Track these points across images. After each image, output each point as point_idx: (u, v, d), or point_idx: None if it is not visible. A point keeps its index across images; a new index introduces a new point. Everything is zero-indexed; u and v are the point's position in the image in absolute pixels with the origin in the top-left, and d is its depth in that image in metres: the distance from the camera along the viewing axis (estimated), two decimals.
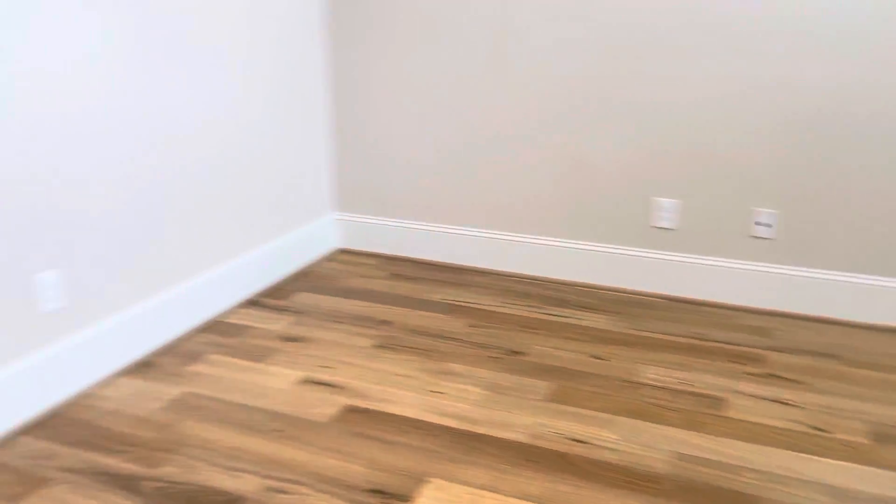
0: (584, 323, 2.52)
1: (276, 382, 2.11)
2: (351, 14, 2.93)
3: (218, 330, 2.44)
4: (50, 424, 1.89)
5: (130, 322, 2.17)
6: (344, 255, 3.19)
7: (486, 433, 1.88)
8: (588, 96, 2.67)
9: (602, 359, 2.28)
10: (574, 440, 1.85)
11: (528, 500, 1.63)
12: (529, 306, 2.66)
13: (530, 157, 2.82)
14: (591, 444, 1.84)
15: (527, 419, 1.94)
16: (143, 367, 2.19)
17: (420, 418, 1.94)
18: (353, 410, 1.97)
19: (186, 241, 2.37)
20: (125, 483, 1.66)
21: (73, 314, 2.00)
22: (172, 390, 2.06)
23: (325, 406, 1.99)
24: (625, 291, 2.80)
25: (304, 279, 2.91)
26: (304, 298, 2.72)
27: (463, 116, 2.88)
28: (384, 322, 2.52)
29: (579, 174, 2.77)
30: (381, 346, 2.34)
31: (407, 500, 1.62)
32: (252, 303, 2.67)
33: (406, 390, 2.07)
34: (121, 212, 2.10)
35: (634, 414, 1.97)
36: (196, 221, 2.40)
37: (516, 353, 2.31)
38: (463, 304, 2.68)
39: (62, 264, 1.94)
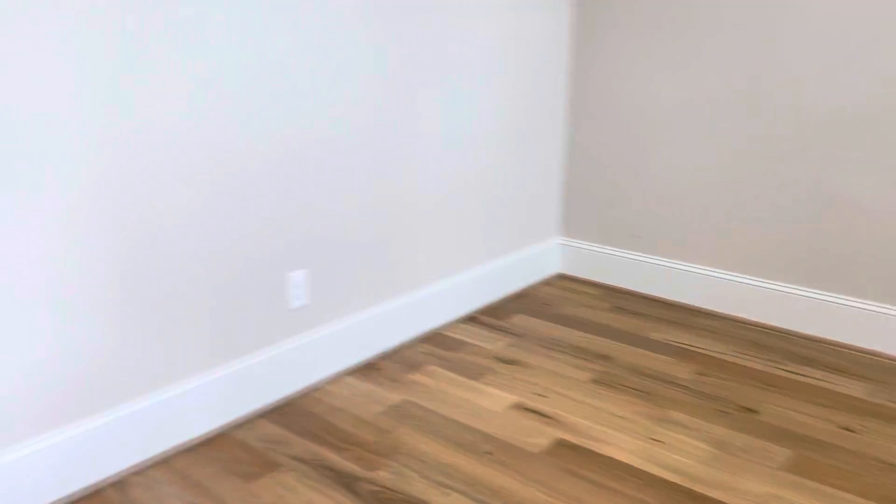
0: (833, 387, 2.23)
1: (489, 403, 2.10)
2: (594, 35, 2.88)
3: (438, 342, 2.50)
4: (284, 412, 2.04)
5: (360, 325, 2.29)
6: (564, 282, 3.13)
7: (711, 495, 1.71)
8: (854, 128, 2.38)
9: (853, 431, 1.99)
10: None
11: None
12: (768, 360, 2.41)
13: (785, 193, 2.57)
14: None
15: (758, 487, 1.74)
16: (368, 370, 2.29)
17: (636, 466, 1.82)
18: (564, 445, 1.90)
19: (416, 254, 2.46)
20: (345, 480, 1.74)
21: (314, 312, 2.14)
22: (393, 396, 2.13)
23: (537, 436, 1.94)
24: (887, 357, 2.44)
25: (523, 301, 2.89)
26: (521, 321, 2.70)
27: (706, 145, 2.70)
28: (603, 356, 2.42)
29: (840, 217, 2.46)
30: (598, 382, 2.24)
31: None
32: (471, 319, 2.71)
33: (623, 433, 1.96)
34: (361, 221, 2.22)
35: (890, 502, 1.69)
36: (427, 236, 2.49)
37: (749, 410, 2.09)
38: (691, 348, 2.49)
39: (309, 265, 2.09)
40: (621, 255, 3.01)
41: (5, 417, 1.52)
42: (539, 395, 2.16)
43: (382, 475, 1.76)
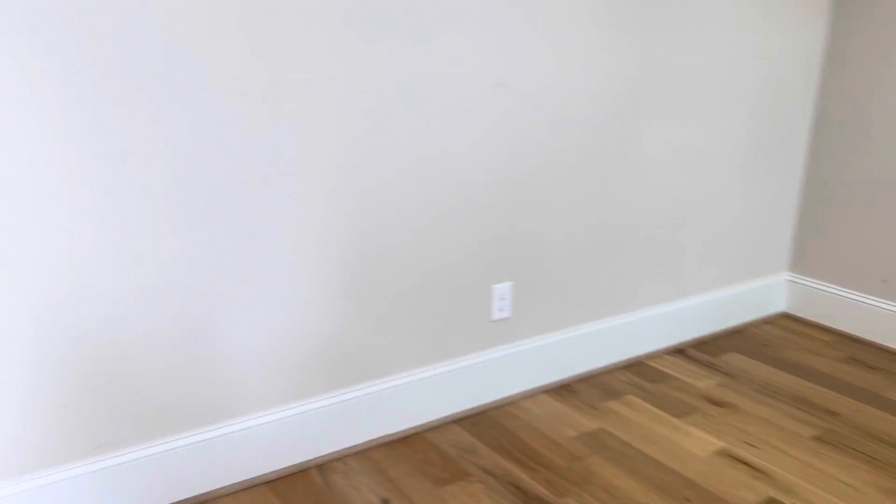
0: None
1: (692, 445, 1.96)
2: (852, 53, 2.58)
3: (639, 372, 2.38)
4: (477, 421, 2.05)
5: (559, 344, 2.25)
6: (788, 322, 2.84)
7: None
8: None
9: None
10: None
11: None
12: None
13: None
14: None
15: None
16: (564, 391, 2.24)
17: None
18: None
19: (625, 277, 2.36)
20: (532, 503, 1.70)
21: (514, 326, 2.14)
22: (588, 422, 2.06)
23: (744, 490, 1.77)
24: None
25: (739, 339, 2.67)
26: (735, 360, 2.49)
27: None
28: (830, 412, 2.16)
29: None
30: (821, 440, 2.00)
31: None
32: (678, 351, 2.55)
33: (847, 502, 1.73)
34: (571, 238, 2.18)
35: None
36: (639, 259, 2.38)
37: None
38: None
39: (514, 278, 2.09)
40: (862, 299, 2.67)
41: (248, 388, 1.68)
42: (750, 444, 1.97)
43: (570, 503, 1.71)
